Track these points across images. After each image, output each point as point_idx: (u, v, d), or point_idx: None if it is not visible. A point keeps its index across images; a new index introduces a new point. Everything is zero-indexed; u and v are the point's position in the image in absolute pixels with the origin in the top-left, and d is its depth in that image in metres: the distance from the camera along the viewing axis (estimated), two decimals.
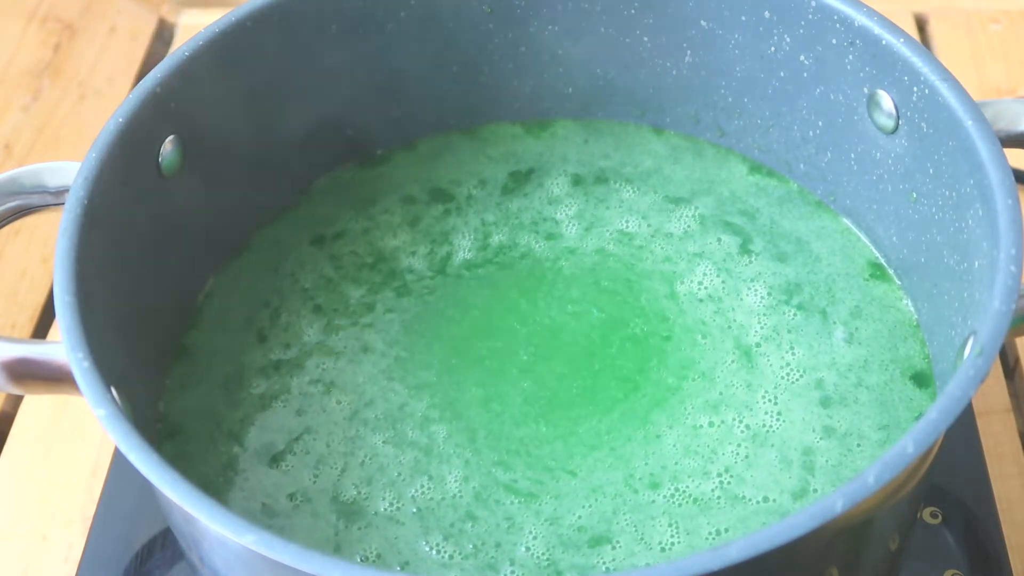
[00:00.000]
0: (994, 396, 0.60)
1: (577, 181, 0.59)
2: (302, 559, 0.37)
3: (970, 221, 0.47)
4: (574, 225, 0.58)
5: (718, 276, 0.55)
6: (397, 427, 0.51)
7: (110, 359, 0.45)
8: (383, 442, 0.50)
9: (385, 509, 0.48)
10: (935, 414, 0.40)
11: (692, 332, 0.53)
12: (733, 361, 0.52)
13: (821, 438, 0.49)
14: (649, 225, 0.57)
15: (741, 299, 0.54)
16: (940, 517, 0.55)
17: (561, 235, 0.57)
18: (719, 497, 0.48)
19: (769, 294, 0.54)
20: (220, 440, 0.51)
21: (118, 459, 0.58)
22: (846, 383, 0.51)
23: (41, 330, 0.66)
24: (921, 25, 0.78)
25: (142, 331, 0.51)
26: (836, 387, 0.51)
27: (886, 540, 0.46)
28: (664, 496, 0.48)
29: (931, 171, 0.50)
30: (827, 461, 0.49)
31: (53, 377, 0.46)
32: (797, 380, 0.51)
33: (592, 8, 0.57)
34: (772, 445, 0.49)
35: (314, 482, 0.49)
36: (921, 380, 0.51)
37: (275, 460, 0.50)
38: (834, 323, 0.53)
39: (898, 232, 0.53)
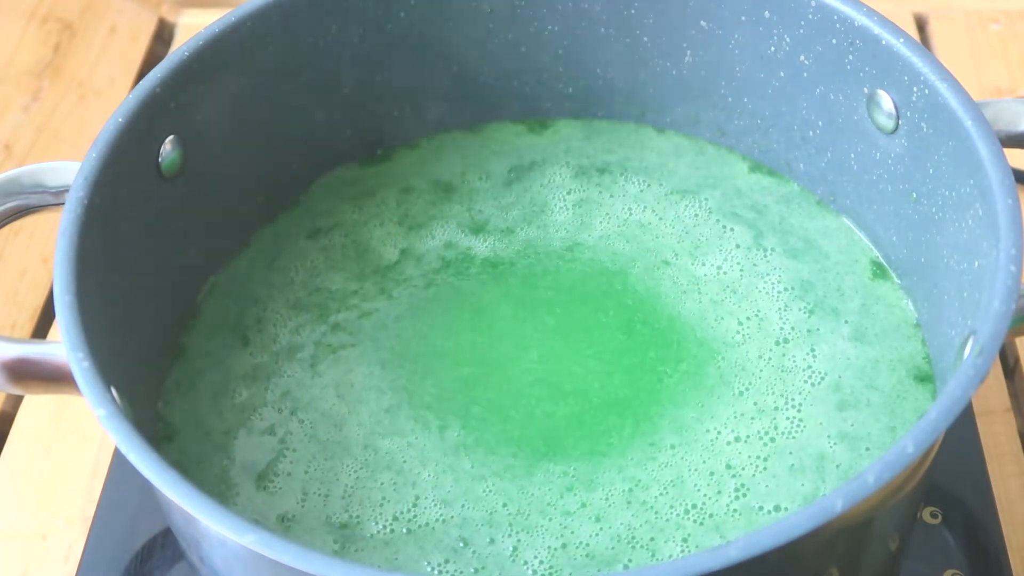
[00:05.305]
0: (994, 396, 0.60)
1: (580, 173, 0.59)
2: (302, 559, 0.37)
3: (970, 221, 0.47)
4: (579, 215, 0.57)
5: (737, 265, 0.55)
6: (359, 448, 0.50)
7: (110, 359, 0.45)
8: (356, 467, 0.49)
9: (379, 532, 0.48)
10: (935, 414, 0.40)
11: (724, 320, 0.53)
12: (769, 360, 0.51)
13: (835, 443, 0.49)
14: (655, 212, 0.57)
15: (761, 293, 0.54)
16: (940, 517, 0.55)
17: (565, 224, 0.57)
18: (735, 511, 0.47)
19: (786, 290, 0.54)
20: (211, 450, 0.50)
21: (118, 459, 0.58)
22: (859, 385, 0.51)
23: (41, 330, 0.66)
24: (921, 25, 0.78)
25: (142, 331, 0.51)
26: (852, 390, 0.51)
27: (886, 540, 0.46)
28: (678, 513, 0.47)
29: (931, 171, 0.50)
30: (838, 466, 0.48)
31: (53, 377, 0.46)
32: (819, 383, 0.51)
33: (592, 8, 0.57)
34: (790, 453, 0.49)
35: (302, 506, 0.49)
36: (922, 380, 0.51)
37: (261, 479, 0.49)
38: (845, 322, 0.53)
39: (898, 232, 0.53)
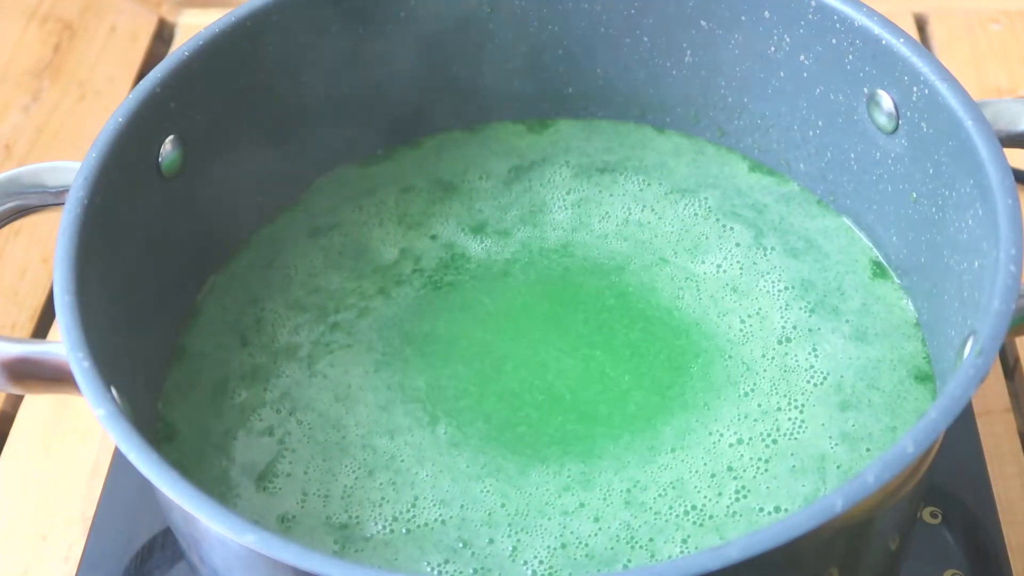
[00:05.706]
0: (994, 396, 0.60)
1: (580, 172, 0.59)
2: (302, 559, 0.37)
3: (970, 221, 0.47)
4: (579, 214, 0.57)
5: (736, 263, 0.55)
6: (357, 449, 0.50)
7: (110, 359, 0.45)
8: (355, 467, 0.49)
9: (379, 532, 0.47)
10: (935, 414, 0.40)
11: (726, 318, 0.53)
12: (773, 359, 0.51)
13: (836, 444, 0.49)
14: (654, 211, 0.57)
15: (762, 292, 0.54)
16: (940, 517, 0.55)
17: (565, 223, 0.57)
18: (735, 512, 0.47)
19: (786, 289, 0.54)
20: (211, 451, 0.50)
21: (118, 459, 0.58)
22: (861, 385, 0.51)
23: (41, 330, 0.66)
24: (921, 25, 0.78)
25: (142, 331, 0.50)
26: (853, 390, 0.50)
27: (886, 540, 0.46)
28: (678, 514, 0.47)
29: (931, 171, 0.50)
30: (838, 467, 0.48)
31: (53, 377, 0.46)
32: (821, 383, 0.51)
33: (592, 8, 0.57)
34: (792, 454, 0.49)
35: (302, 506, 0.48)
36: (923, 380, 0.51)
37: (260, 479, 0.49)
38: (846, 322, 0.53)
39: (898, 232, 0.53)
